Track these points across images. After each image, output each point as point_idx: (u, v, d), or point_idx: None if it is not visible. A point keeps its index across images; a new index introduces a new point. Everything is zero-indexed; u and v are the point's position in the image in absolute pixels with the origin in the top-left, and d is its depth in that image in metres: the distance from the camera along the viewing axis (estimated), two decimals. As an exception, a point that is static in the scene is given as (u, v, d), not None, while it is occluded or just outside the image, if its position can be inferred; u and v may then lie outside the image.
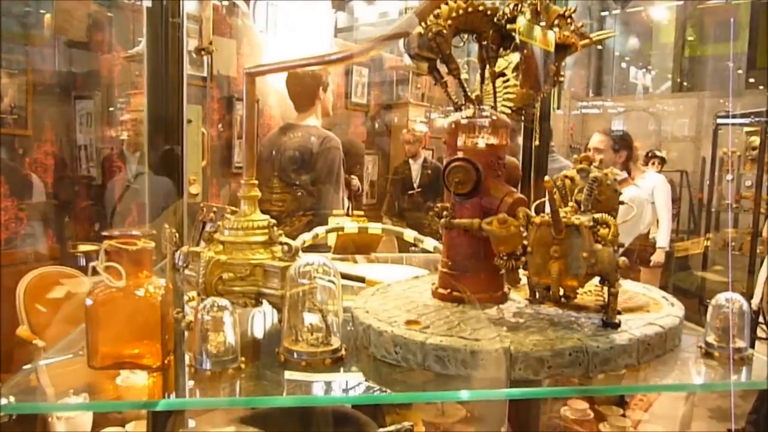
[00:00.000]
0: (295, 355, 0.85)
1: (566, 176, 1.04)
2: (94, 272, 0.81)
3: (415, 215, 4.18)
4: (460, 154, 0.99)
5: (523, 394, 0.89)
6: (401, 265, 1.50)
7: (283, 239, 0.98)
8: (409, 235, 1.52)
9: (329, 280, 0.87)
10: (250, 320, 1.06)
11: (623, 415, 3.26)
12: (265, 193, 2.86)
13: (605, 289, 0.93)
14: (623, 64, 7.74)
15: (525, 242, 0.94)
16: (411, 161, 4.50)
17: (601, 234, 0.92)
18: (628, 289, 1.15)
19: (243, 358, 0.84)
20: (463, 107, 1.04)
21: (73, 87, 4.34)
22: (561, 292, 0.92)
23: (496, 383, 0.82)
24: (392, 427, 1.25)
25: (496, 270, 1.02)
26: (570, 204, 0.98)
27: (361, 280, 1.23)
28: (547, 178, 0.89)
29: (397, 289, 1.10)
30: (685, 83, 7.47)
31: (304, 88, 2.86)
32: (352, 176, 4.11)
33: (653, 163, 5.32)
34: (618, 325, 0.91)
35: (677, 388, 0.89)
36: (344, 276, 1.24)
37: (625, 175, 3.64)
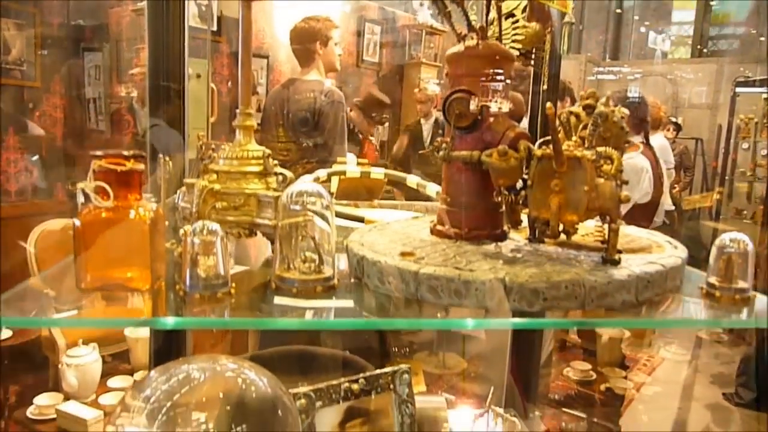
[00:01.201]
0: (287, 283, 0.84)
1: (571, 112, 1.01)
2: (83, 194, 0.80)
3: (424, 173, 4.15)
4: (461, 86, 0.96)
5: (524, 324, 0.87)
6: (403, 211, 1.48)
7: (278, 170, 0.96)
8: (412, 180, 1.49)
9: (323, 208, 0.85)
10: (242, 251, 1.05)
11: (625, 377, 3.27)
12: (270, 143, 2.86)
13: (606, 226, 0.91)
14: (642, 29, 7.55)
15: (525, 176, 0.92)
16: (423, 121, 4.45)
17: (604, 170, 0.90)
18: (632, 233, 1.12)
19: (233, 284, 0.83)
20: (466, 38, 1.00)
21: (82, 39, 4.30)
22: (560, 228, 0.90)
23: (491, 314, 0.80)
24: (389, 369, 1.25)
25: (495, 207, 1.00)
26: (574, 139, 0.95)
27: (360, 220, 1.22)
28: (549, 104, 0.86)
29: (395, 227, 1.08)
30: (704, 50, 7.28)
31: (302, 44, 2.85)
32: (370, 137, 4.09)
33: (668, 130, 5.23)
34: (618, 262, 0.89)
35: (675, 323, 0.87)
36: (343, 216, 1.23)
37: (640, 139, 3.55)
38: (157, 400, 0.91)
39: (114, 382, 2.75)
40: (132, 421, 0.90)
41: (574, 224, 0.90)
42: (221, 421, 0.95)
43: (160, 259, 0.84)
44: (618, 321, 0.83)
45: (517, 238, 1.03)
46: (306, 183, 0.89)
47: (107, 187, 0.78)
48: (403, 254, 0.88)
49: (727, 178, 4.88)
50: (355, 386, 1.20)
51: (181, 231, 0.91)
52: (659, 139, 4.40)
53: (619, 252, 0.91)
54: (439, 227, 1.01)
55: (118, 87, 4.36)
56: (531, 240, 1.01)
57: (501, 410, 1.43)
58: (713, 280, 0.93)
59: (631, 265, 0.89)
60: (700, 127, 5.89)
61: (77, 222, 0.80)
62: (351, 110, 3.51)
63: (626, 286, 0.85)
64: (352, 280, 0.91)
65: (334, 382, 1.18)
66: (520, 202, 0.93)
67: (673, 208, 4.37)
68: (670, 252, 1.00)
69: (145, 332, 3.04)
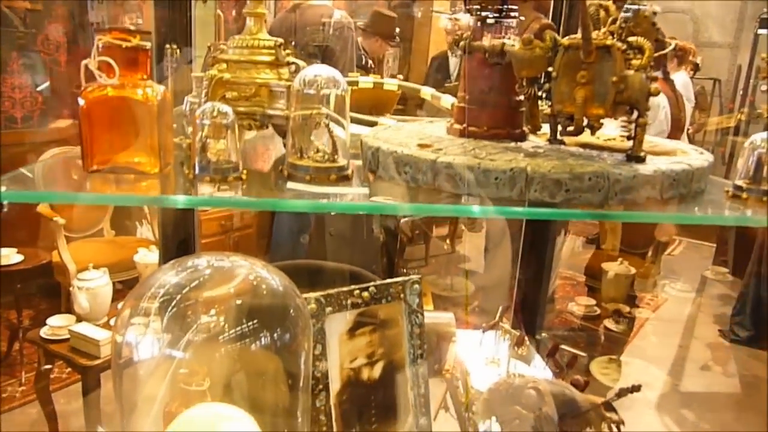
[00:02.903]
0: (300, 170, 0.81)
1: (600, 5, 0.95)
2: (87, 71, 0.76)
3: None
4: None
5: (537, 214, 0.84)
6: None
7: (291, 59, 0.92)
8: (426, 92, 1.44)
9: (339, 92, 0.81)
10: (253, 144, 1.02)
11: (629, 313, 3.30)
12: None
13: (632, 121, 0.87)
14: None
15: (550, 69, 0.87)
16: (450, 53, 4.31)
17: (633, 64, 0.85)
18: (655, 140, 1.08)
19: (245, 170, 0.80)
20: None
21: (84, -41, 4.16)
22: (585, 122, 0.86)
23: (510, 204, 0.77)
24: (399, 279, 1.24)
25: (516, 106, 0.96)
26: (603, 30, 0.90)
27: (374, 123, 1.18)
28: (580, -18, 0.81)
29: (410, 127, 1.05)
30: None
31: None
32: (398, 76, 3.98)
33: (685, 68, 5.08)
34: (643, 159, 0.85)
35: (699, 219, 0.84)
36: (356, 121, 1.19)
37: (658, 73, 3.44)
38: (168, 293, 0.90)
39: (125, 306, 2.77)
40: (142, 311, 0.90)
41: (600, 118, 0.86)
42: (232, 316, 0.94)
43: (168, 143, 0.81)
44: (640, 215, 0.80)
45: (537, 141, 0.99)
46: (320, 67, 0.85)
47: (112, 62, 0.74)
48: (421, 146, 0.85)
49: (743, 119, 4.77)
50: (365, 294, 1.19)
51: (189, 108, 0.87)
52: (682, 76, 4.28)
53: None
54: (456, 126, 0.98)
55: (123, 16, 4.24)
56: (551, 141, 0.97)
57: (508, 326, 1.43)
58: (741, 182, 0.90)
59: (657, 163, 0.85)
60: (719, 68, 5.71)
61: (81, 101, 0.77)
62: (360, 37, 3.40)
63: (651, 182, 0.82)
64: (367, 172, 0.88)
65: (345, 289, 1.17)
66: (543, 96, 0.89)
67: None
68: (696, 156, 0.96)
69: (154, 258, 3.06)
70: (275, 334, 0.94)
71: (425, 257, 3.68)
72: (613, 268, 3.33)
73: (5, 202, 0.68)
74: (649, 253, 3.86)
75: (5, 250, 3.34)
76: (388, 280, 1.24)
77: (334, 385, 1.14)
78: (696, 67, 5.20)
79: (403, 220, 3.55)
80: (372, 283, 1.20)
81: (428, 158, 0.80)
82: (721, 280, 4.33)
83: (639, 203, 0.81)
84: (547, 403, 1.07)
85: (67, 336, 2.54)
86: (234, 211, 4.01)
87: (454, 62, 4.24)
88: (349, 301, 1.17)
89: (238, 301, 0.92)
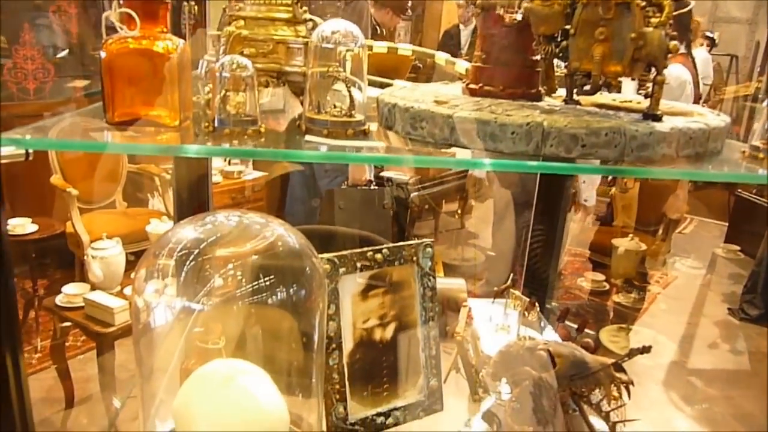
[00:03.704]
0: (318, 124, 0.82)
1: (620, -36, 0.94)
2: (107, 24, 0.77)
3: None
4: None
5: (551, 168, 0.85)
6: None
7: (308, 16, 0.92)
8: (441, 57, 1.44)
9: (356, 46, 0.81)
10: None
11: (641, 283, 3.30)
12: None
13: (650, 80, 0.87)
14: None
15: (567, 27, 0.87)
16: (462, 26, 4.27)
17: (652, 22, 0.85)
18: (671, 102, 1.08)
19: (263, 125, 0.81)
20: None
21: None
22: (602, 80, 0.86)
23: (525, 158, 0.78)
24: (413, 242, 1.26)
25: (532, 65, 0.96)
26: (622, -12, 0.89)
27: (389, 86, 1.18)
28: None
29: (425, 87, 1.05)
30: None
31: None
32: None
33: (701, 44, 5.00)
34: (660, 117, 0.85)
35: (716, 176, 0.84)
36: (371, 84, 1.19)
37: (681, 49, 3.39)
38: (186, 248, 0.91)
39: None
40: (160, 266, 0.91)
41: (618, 76, 0.86)
42: (249, 272, 0.96)
43: (187, 98, 0.82)
44: (656, 171, 0.80)
45: (553, 101, 0.99)
46: (338, 21, 0.85)
47: (133, 14, 0.75)
48: (437, 102, 0.86)
49: (760, 96, 4.71)
50: (378, 256, 1.20)
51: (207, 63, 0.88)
52: (702, 53, 4.23)
53: (660, 113, 0.87)
54: (471, 86, 0.98)
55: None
56: (567, 102, 0.97)
57: (518, 293, 1.44)
58: (758, 143, 0.90)
59: (673, 121, 0.85)
60: (736, 43, 5.61)
61: (103, 54, 0.77)
62: (372, 9, 3.37)
63: (668, 139, 0.82)
64: (383, 128, 0.88)
65: (358, 250, 1.18)
66: (560, 54, 0.88)
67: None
68: (713, 117, 0.96)
69: (166, 228, 3.09)
70: (291, 290, 0.95)
71: (434, 232, 3.69)
72: (623, 244, 3.33)
73: (31, 150, 0.69)
74: (660, 231, 3.84)
75: (20, 220, 3.38)
76: (401, 243, 1.25)
77: (347, 346, 1.16)
78: (713, 43, 5.12)
79: (413, 194, 3.56)
80: (385, 245, 1.22)
81: (444, 113, 0.80)
82: (733, 258, 4.31)
83: (655, 160, 0.81)
84: (551, 367, 1.08)
85: (82, 304, 2.58)
86: (245, 183, 4.04)
87: (465, 35, 4.20)
88: (362, 263, 1.18)
89: (255, 257, 0.93)
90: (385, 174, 3.54)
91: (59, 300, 2.64)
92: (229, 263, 0.93)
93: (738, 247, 4.32)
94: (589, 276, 3.45)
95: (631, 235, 3.39)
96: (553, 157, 0.77)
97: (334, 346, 1.13)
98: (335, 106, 0.84)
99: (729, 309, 3.92)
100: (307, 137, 0.79)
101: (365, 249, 1.19)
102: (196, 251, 0.91)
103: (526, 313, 1.40)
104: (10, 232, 3.29)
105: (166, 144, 0.78)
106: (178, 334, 1.00)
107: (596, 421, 1.10)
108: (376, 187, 3.07)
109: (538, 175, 1.58)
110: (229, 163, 4.16)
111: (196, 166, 1.29)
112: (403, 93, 0.95)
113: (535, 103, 0.94)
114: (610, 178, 3.63)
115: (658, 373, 3.18)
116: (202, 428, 0.82)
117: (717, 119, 0.93)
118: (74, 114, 0.85)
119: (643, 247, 3.37)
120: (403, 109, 0.84)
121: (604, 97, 1.02)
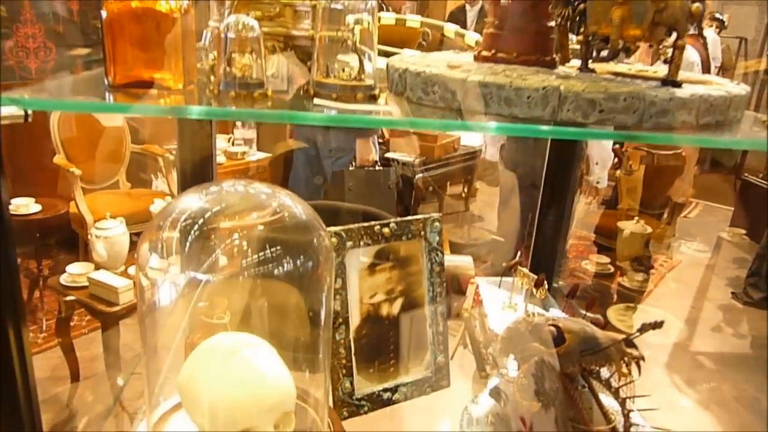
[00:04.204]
0: (326, 88, 0.79)
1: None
2: (110, -18, 0.74)
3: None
4: None
5: (563, 133, 0.82)
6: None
7: (316, -22, 0.89)
8: (450, 29, 1.40)
9: (366, 8, 0.78)
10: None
11: (648, 263, 3.28)
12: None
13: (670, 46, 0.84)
14: None
15: (585, -10, 0.84)
16: (468, 6, 4.20)
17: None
18: (690, 74, 1.05)
19: (269, 88, 0.78)
20: None
21: None
22: (620, 45, 0.83)
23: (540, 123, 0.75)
24: (420, 216, 1.23)
25: (547, 31, 0.93)
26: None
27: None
28: None
29: (436, 55, 1.02)
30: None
31: None
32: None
33: (710, 26, 4.93)
34: (679, 84, 0.83)
35: (734, 143, 0.82)
36: (381, 53, 1.16)
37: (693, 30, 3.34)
38: (191, 217, 0.89)
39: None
40: (165, 235, 0.90)
41: (637, 40, 0.83)
42: (255, 242, 0.94)
43: (191, 61, 0.79)
44: (676, 137, 0.78)
45: (568, 70, 0.96)
46: (348, -19, 0.82)
47: (135, -30, 0.72)
48: (450, 66, 0.83)
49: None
50: (386, 230, 1.18)
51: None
52: (710, 34, 4.17)
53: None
54: (484, 53, 0.95)
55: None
56: (582, 70, 0.94)
57: (526, 270, 1.42)
58: (779, 111, 0.87)
59: (694, 88, 0.82)
60: (745, 26, 5.53)
61: (104, 13, 0.75)
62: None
63: (688, 106, 0.79)
64: (393, 94, 0.86)
65: (365, 224, 1.16)
66: (578, 18, 0.85)
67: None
68: (732, 86, 0.93)
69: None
70: (298, 261, 0.93)
71: (439, 213, 3.67)
72: (628, 227, 3.30)
73: (30, 111, 0.67)
74: (665, 215, 3.82)
75: (24, 200, 3.37)
76: (409, 217, 1.23)
77: (354, 321, 1.14)
78: (722, 24, 5.05)
79: (418, 176, 3.54)
80: (392, 220, 1.20)
81: (458, 77, 0.77)
82: (738, 242, 4.29)
83: (674, 127, 0.78)
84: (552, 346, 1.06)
85: (86, 283, 2.57)
86: (249, 164, 4.01)
87: (471, 15, 4.14)
88: (369, 237, 1.16)
89: (261, 228, 0.91)
90: (390, 155, 3.51)
91: (63, 279, 2.63)
92: (235, 234, 0.91)
93: (744, 231, 4.30)
94: (593, 259, 3.43)
95: (636, 218, 3.37)
96: (569, 123, 0.75)
97: (340, 320, 1.11)
98: (344, 70, 0.81)
99: (732, 293, 3.90)
100: (316, 101, 0.77)
101: (372, 223, 1.17)
102: (201, 221, 0.89)
103: (534, 291, 1.38)
104: (13, 212, 3.28)
105: (169, 105, 0.76)
106: (183, 307, 0.99)
107: (605, 398, 1.08)
108: (382, 168, 3.05)
109: (547, 155, 1.55)
110: (233, 144, 4.13)
111: (199, 147, 1.27)
112: (414, 59, 0.92)
113: (550, 71, 0.91)
114: (615, 160, 3.60)
115: (661, 356, 3.18)
116: (207, 401, 0.81)
117: (737, 87, 0.90)
118: (75, 79, 0.83)
119: (649, 229, 3.34)
120: (415, 73, 0.81)
121: (619, 66, 0.99)
